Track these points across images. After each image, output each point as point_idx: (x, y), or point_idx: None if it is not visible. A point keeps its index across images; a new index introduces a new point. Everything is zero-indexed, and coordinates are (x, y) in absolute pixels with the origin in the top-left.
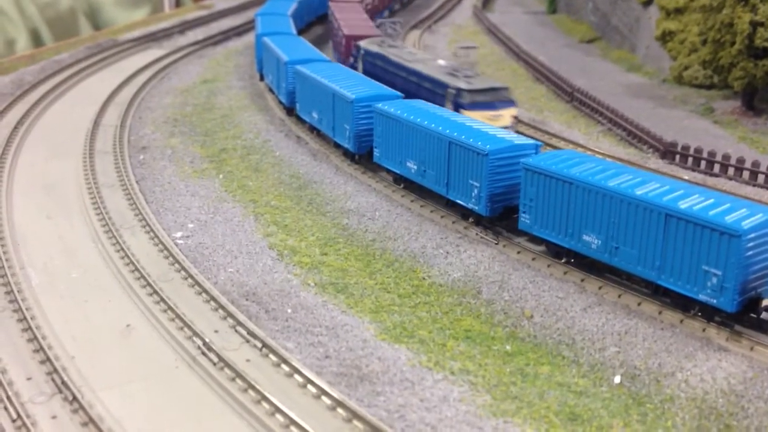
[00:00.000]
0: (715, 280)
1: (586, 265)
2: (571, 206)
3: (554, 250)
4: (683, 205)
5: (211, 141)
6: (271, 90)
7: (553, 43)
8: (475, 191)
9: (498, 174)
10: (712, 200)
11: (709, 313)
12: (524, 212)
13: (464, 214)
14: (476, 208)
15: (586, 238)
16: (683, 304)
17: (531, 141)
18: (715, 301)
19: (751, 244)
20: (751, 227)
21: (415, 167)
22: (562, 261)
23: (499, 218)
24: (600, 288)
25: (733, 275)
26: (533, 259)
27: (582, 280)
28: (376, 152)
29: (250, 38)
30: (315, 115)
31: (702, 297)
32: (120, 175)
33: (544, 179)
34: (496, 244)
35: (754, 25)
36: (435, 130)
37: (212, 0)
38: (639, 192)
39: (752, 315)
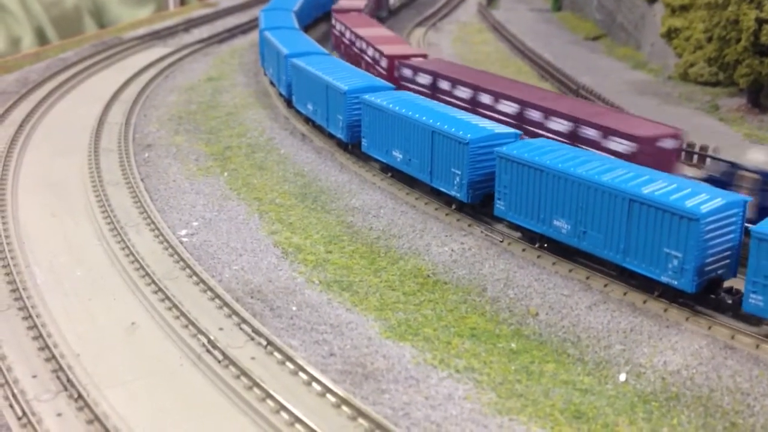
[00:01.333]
0: (675, 262)
1: (558, 250)
2: (542, 193)
3: (528, 236)
4: (646, 190)
5: (216, 139)
6: (272, 83)
7: (558, 40)
8: (457, 179)
9: (478, 162)
10: (674, 185)
11: (672, 295)
12: (499, 199)
13: (447, 201)
14: (458, 195)
15: (556, 223)
16: (647, 285)
17: (511, 130)
18: (676, 282)
19: (709, 228)
20: (710, 211)
21: (401, 156)
22: (536, 246)
23: (481, 205)
24: (605, 286)
25: (693, 257)
26: (538, 256)
27: (587, 278)
28: (364, 142)
29: (254, 36)
30: (310, 106)
31: (664, 279)
32: (125, 173)
33: (517, 167)
34: (501, 242)
35: (760, 22)
36: (419, 120)
37: None
38: (604, 178)
39: (711, 296)
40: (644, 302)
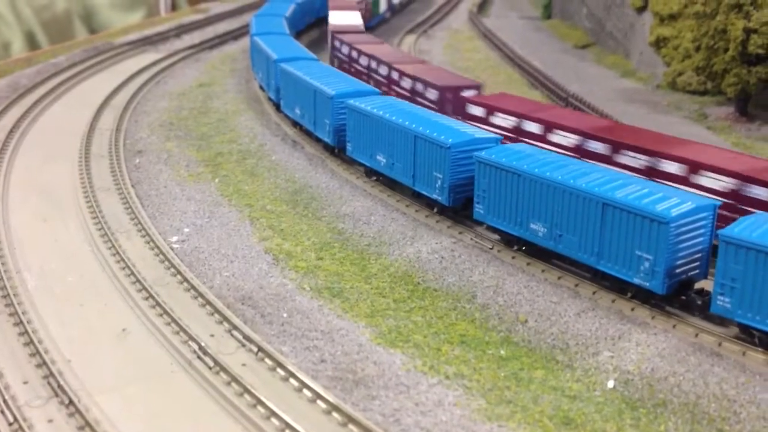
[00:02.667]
0: (647, 264)
1: (536, 253)
2: (519, 196)
3: (506, 239)
4: (619, 194)
5: (207, 145)
6: (262, 87)
7: (548, 48)
8: (439, 182)
9: (459, 166)
10: (647, 190)
11: (644, 296)
12: (478, 203)
13: (429, 204)
14: (440, 198)
15: (533, 226)
16: (620, 287)
17: (492, 135)
18: (647, 284)
19: (679, 231)
20: (679, 215)
21: (384, 160)
22: (514, 248)
23: (462, 208)
24: (594, 293)
25: (663, 260)
26: (528, 264)
27: (576, 285)
28: (349, 146)
29: (245, 42)
30: (297, 110)
31: (636, 280)
32: (116, 179)
33: (495, 171)
34: (490, 249)
35: (748, 31)
36: (401, 124)
37: (208, 4)
38: (579, 182)
39: (682, 297)
40: (632, 310)
